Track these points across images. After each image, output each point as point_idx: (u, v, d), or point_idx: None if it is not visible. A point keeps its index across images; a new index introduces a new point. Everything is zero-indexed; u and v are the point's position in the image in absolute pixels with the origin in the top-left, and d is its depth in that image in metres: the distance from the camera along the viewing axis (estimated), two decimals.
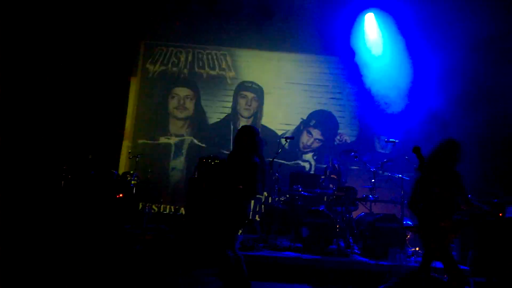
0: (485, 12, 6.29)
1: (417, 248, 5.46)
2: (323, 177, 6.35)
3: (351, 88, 7.93)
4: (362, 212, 5.93)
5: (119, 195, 6.18)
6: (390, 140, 5.81)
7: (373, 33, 7.74)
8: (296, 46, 7.90)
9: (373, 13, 7.65)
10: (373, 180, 5.79)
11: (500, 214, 5.52)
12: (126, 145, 7.80)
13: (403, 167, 5.62)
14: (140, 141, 7.85)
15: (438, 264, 3.56)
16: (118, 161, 7.66)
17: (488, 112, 6.52)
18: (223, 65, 8.12)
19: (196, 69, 8.12)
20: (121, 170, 7.36)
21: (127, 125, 7.90)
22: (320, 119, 7.99)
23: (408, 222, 6.00)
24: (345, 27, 7.57)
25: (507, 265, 5.05)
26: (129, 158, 7.07)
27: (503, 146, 6.47)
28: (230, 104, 8.08)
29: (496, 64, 6.59)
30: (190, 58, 8.10)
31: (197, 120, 8.01)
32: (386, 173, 5.94)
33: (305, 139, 7.96)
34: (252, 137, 3.63)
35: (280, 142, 6.28)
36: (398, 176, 5.77)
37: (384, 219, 5.29)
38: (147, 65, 8.10)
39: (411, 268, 4.88)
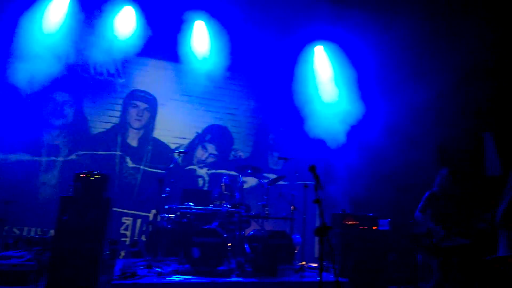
0: None
1: (304, 263, 5.61)
2: (216, 194, 6.16)
3: (247, 104, 8.01)
4: (254, 229, 5.88)
5: None
6: (282, 157, 5.94)
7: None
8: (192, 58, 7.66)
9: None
10: (265, 197, 5.82)
11: (374, 228, 6.08)
12: None
13: (293, 184, 5.77)
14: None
15: None
16: None
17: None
18: (112, 71, 7.41)
19: (80, 72, 7.23)
20: None
21: None
22: (216, 134, 7.84)
23: (297, 236, 6.17)
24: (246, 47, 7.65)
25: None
26: None
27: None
28: (118, 114, 7.37)
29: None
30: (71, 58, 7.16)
31: (77, 129, 7.07)
32: (277, 190, 6.02)
33: (199, 153, 7.70)
34: None
35: (173, 156, 5.88)
36: (289, 193, 5.91)
37: (275, 235, 5.30)
38: None
39: (299, 283, 4.97)
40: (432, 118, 7.19)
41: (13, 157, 6.56)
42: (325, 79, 7.95)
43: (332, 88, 7.87)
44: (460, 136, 6.88)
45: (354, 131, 7.34)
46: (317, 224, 7.90)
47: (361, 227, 5.98)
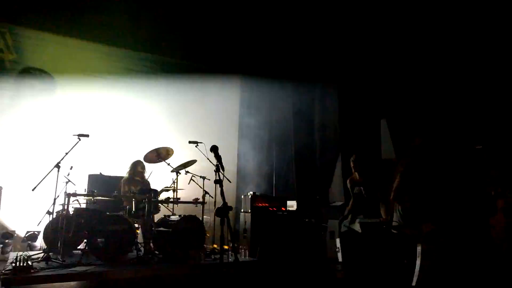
0: None
1: (215, 245, 5.70)
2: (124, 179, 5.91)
3: (157, 86, 7.70)
4: (164, 215, 5.78)
5: None
6: (193, 141, 5.87)
7: None
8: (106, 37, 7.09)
9: None
10: (174, 180, 5.74)
11: (283, 208, 6.41)
12: None
13: (204, 167, 5.76)
14: None
15: None
16: None
17: None
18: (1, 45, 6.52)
19: None
20: None
21: None
22: None
23: (208, 219, 6.22)
24: None
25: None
26: None
27: None
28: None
29: None
30: None
31: None
32: (188, 174, 5.98)
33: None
34: None
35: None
36: (201, 177, 5.91)
37: (185, 220, 5.27)
38: None
39: (208, 266, 5.04)
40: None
41: None
42: None
43: None
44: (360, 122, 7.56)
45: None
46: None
47: (270, 209, 6.27)
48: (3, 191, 5.83)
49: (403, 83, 7.23)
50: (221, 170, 3.15)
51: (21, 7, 6.41)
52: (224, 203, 3.00)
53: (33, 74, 6.74)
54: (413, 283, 3.57)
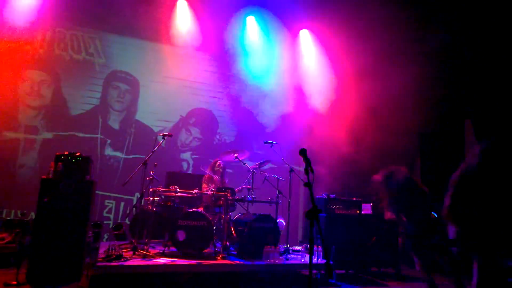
0: None
1: (288, 245, 5.70)
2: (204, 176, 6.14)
3: (232, 88, 7.91)
4: (240, 213, 5.90)
5: None
6: (268, 141, 5.92)
7: (254, 36, 7.92)
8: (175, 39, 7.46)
9: (255, 16, 7.84)
10: (251, 181, 5.82)
11: (357, 211, 6.21)
12: None
13: (279, 168, 5.79)
14: None
15: None
16: None
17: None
18: (91, 50, 7.14)
19: (56, 51, 6.93)
20: None
21: None
22: (200, 118, 7.75)
23: (281, 220, 6.24)
24: (228, 28, 7.54)
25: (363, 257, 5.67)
26: None
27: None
28: (98, 95, 7.15)
29: None
30: (48, 36, 6.85)
31: (56, 110, 6.83)
32: (263, 174, 6.03)
33: (183, 137, 7.60)
34: None
35: (156, 140, 5.76)
36: (275, 177, 5.93)
37: (260, 219, 5.34)
38: None
39: (283, 266, 5.05)
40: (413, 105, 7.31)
41: None
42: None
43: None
44: (440, 123, 7.04)
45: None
46: (302, 208, 8.01)
47: (344, 211, 6.10)
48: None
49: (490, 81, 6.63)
50: (310, 173, 3.11)
51: (107, 13, 6.93)
52: (314, 205, 2.96)
53: (118, 76, 7.28)
54: None
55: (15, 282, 4.08)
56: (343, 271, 5.75)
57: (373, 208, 6.16)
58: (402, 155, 7.52)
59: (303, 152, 3.20)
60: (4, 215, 6.10)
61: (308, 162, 3.16)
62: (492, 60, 6.45)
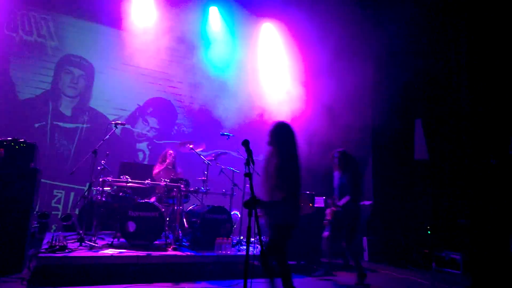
0: None
1: (242, 237, 5.74)
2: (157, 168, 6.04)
3: (192, 78, 7.80)
4: (194, 204, 5.88)
5: None
6: (225, 133, 5.92)
7: (217, 27, 7.86)
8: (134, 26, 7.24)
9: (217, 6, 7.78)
10: (206, 172, 5.80)
11: (310, 205, 6.35)
12: None
13: (235, 160, 5.81)
14: None
15: None
16: None
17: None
18: (43, 31, 6.78)
19: (6, 31, 6.53)
20: None
21: None
22: (158, 107, 7.60)
23: (236, 212, 6.28)
24: (190, 18, 7.42)
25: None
26: None
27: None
28: (50, 79, 6.82)
29: None
30: None
31: (2, 94, 6.44)
32: (219, 165, 6.03)
33: (140, 127, 7.43)
34: None
35: (109, 128, 5.58)
36: (230, 169, 5.95)
37: (214, 210, 5.35)
38: None
39: (235, 256, 5.09)
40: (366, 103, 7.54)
41: None
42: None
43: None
44: (392, 121, 7.31)
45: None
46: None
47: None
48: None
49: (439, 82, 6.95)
50: (251, 164, 3.16)
51: None
52: (253, 195, 3.01)
53: (72, 61, 6.98)
54: None
55: None
56: (295, 262, 5.87)
57: (325, 201, 6.33)
58: (355, 151, 7.73)
59: (245, 143, 3.23)
60: None
61: (250, 152, 3.20)
62: (443, 61, 6.76)
